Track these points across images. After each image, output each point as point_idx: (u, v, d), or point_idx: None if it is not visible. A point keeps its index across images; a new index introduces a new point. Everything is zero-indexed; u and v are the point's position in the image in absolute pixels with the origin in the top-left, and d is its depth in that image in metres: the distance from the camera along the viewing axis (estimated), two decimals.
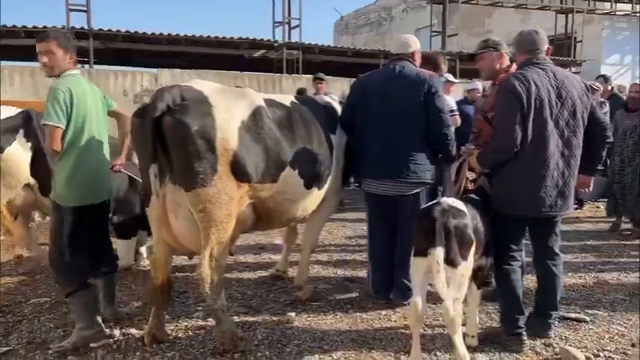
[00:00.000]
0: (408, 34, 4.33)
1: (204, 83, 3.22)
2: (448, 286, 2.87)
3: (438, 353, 3.24)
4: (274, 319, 3.79)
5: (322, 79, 8.09)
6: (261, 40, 15.37)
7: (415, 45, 3.99)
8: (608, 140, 3.48)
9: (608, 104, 7.14)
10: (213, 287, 3.10)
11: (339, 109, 4.09)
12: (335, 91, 13.09)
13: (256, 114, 3.25)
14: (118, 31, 13.82)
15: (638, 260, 5.27)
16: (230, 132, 3.07)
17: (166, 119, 2.93)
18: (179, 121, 2.92)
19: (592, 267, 5.14)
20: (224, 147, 3.04)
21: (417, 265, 2.97)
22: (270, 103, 3.45)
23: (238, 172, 3.11)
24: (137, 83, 13.75)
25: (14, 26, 12.81)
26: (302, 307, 4.03)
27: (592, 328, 3.59)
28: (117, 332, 3.51)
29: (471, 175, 3.73)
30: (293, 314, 3.87)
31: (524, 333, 3.34)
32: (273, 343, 3.40)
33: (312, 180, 3.57)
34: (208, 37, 14.57)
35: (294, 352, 3.28)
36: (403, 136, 3.79)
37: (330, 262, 5.29)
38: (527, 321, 3.47)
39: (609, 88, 8.93)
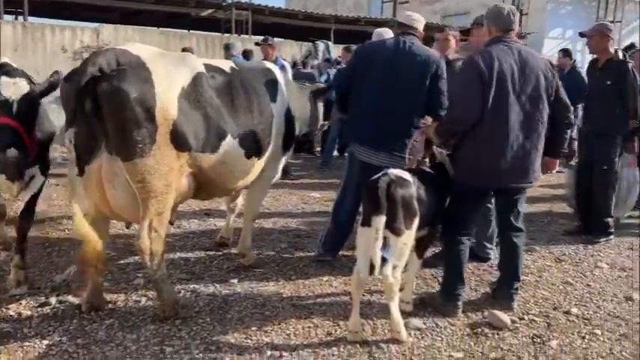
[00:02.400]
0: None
1: (141, 47, 3.10)
2: (391, 254, 2.99)
3: (375, 318, 3.37)
4: (217, 285, 3.81)
5: (270, 43, 7.92)
6: None
7: (422, 23, 4.07)
8: (568, 122, 3.64)
9: None
10: (153, 258, 3.07)
11: (279, 75, 4.03)
12: (286, 55, 12.93)
13: (197, 81, 3.16)
14: None
15: (564, 229, 5.59)
16: (170, 100, 2.99)
17: (102, 85, 2.81)
18: (117, 88, 2.81)
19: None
20: (163, 116, 2.96)
21: (362, 234, 3.05)
22: (210, 69, 3.35)
23: (178, 141, 3.05)
24: (77, 39, 13.07)
25: None
26: (245, 273, 4.07)
27: (519, 293, 3.81)
28: (53, 300, 3.44)
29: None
30: (235, 281, 3.90)
31: (461, 300, 3.52)
32: (215, 309, 3.43)
33: (252, 149, 3.54)
34: None
35: (235, 318, 3.32)
36: (405, 111, 3.85)
37: (275, 228, 5.33)
38: (492, 292, 3.70)
39: (570, 61, 9.30)
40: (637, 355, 3.06)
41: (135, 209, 3.05)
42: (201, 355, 2.87)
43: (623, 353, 3.08)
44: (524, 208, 3.65)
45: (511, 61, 3.32)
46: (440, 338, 3.18)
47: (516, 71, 3.32)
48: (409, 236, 3.05)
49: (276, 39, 9.07)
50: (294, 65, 12.13)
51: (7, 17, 13.96)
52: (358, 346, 3.03)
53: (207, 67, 3.35)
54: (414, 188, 3.10)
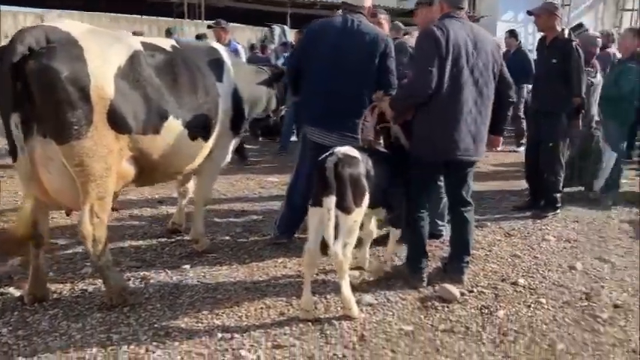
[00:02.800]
0: None
1: (73, 24, 2.96)
2: (341, 232, 3.00)
3: (328, 297, 3.37)
4: (168, 272, 3.74)
5: (223, 27, 7.77)
6: None
7: (368, 1, 4.00)
8: (510, 100, 3.71)
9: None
10: (96, 244, 2.98)
11: (226, 55, 3.95)
12: (242, 40, 12.73)
13: (134, 59, 3.05)
14: None
15: (514, 205, 5.74)
16: (105, 79, 2.87)
17: (30, 64, 2.67)
18: (46, 67, 2.68)
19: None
20: (99, 95, 2.84)
21: (312, 214, 3.06)
22: (150, 47, 3.25)
23: (116, 122, 2.94)
24: (19, 25, 12.46)
25: None
26: (198, 259, 4.00)
27: (470, 267, 3.89)
28: None
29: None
30: (188, 267, 3.83)
31: (425, 272, 3.60)
32: (165, 295, 3.36)
33: (197, 131, 3.45)
34: None
35: (186, 303, 3.27)
36: (355, 90, 3.79)
37: (231, 213, 5.27)
38: (444, 266, 3.77)
39: (516, 42, 9.46)
40: (578, 320, 3.18)
41: (73, 194, 2.94)
42: (149, 340, 2.81)
43: (566, 319, 3.19)
44: (472, 183, 3.71)
45: (464, 35, 3.35)
46: (391, 313, 3.21)
47: (470, 46, 3.36)
48: (359, 214, 3.06)
49: (230, 24, 8.90)
50: (252, 49, 11.98)
51: None
52: (310, 324, 3.03)
53: (146, 45, 3.24)
54: (362, 166, 3.10)
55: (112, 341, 2.79)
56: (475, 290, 3.56)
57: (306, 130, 4.02)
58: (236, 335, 2.89)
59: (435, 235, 4.40)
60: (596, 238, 4.76)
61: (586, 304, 3.41)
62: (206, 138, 3.59)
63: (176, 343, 2.80)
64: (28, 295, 3.16)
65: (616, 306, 3.38)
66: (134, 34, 9.31)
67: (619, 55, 6.92)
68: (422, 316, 3.18)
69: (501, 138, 3.91)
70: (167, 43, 3.51)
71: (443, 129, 3.36)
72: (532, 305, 3.36)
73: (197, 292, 3.44)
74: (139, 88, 3.07)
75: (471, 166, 3.59)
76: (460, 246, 3.68)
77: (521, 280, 3.73)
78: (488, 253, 4.30)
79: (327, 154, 3.08)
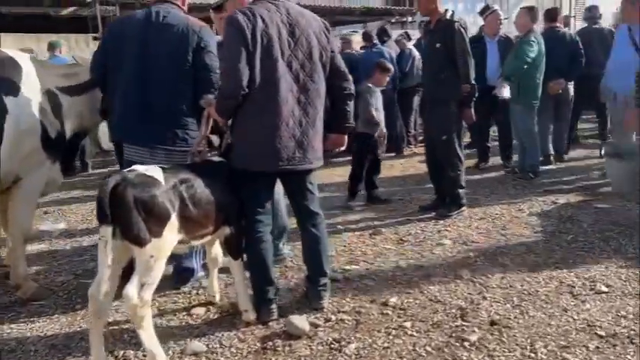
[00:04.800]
0: None
1: None
2: (136, 270, 2.41)
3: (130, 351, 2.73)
4: None
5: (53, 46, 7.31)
6: None
7: None
8: (346, 92, 3.15)
9: None
10: None
11: (29, 66, 3.30)
12: None
13: None
14: None
15: (420, 205, 5.25)
16: None
17: None
18: None
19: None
20: None
21: (99, 248, 2.42)
22: None
23: None
24: None
25: None
26: (18, 310, 3.31)
27: (342, 288, 3.35)
28: None
29: None
30: None
31: (274, 305, 3.00)
32: None
33: None
34: None
35: None
36: (167, 96, 3.14)
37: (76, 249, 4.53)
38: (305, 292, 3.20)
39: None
40: (441, 347, 2.64)
41: None
42: None
43: (427, 347, 2.64)
44: (316, 190, 3.14)
45: (278, 20, 2.80)
46: None
47: (285, 33, 2.81)
48: (157, 247, 2.45)
49: None
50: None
51: None
52: None
53: None
54: (165, 187, 2.50)
55: None
56: (334, 318, 2.99)
57: (124, 148, 3.36)
58: None
59: (278, 257, 3.75)
60: (497, 237, 4.29)
61: (458, 323, 2.88)
62: None
63: None
64: None
65: (493, 323, 2.86)
66: (21, 50, 8.54)
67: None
68: None
69: (345, 136, 3.36)
70: None
71: (260, 135, 2.81)
72: (392, 332, 2.81)
73: None
74: None
75: (306, 175, 3.03)
76: (314, 267, 3.11)
77: (394, 299, 3.19)
78: (369, 267, 3.76)
79: (112, 174, 2.47)
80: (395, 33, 10.11)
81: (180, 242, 2.63)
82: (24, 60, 3.35)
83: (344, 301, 3.21)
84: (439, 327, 2.84)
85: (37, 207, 5.59)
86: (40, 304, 3.39)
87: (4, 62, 3.22)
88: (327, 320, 2.97)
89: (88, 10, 14.21)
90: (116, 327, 2.96)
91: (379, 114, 5.35)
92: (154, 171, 2.54)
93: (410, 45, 8.71)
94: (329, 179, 6.39)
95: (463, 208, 4.92)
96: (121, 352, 2.72)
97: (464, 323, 2.87)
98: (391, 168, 7.38)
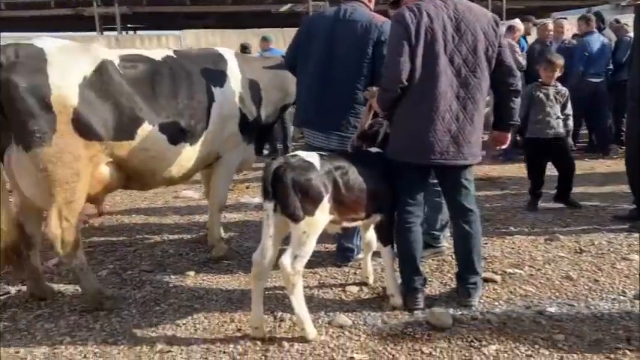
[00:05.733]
0: None
1: (48, 40, 3.12)
2: (291, 243, 2.74)
3: (287, 314, 3.05)
4: (172, 277, 3.75)
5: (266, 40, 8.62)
6: None
7: None
8: (512, 88, 3.05)
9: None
10: (65, 247, 3.08)
11: (232, 60, 3.86)
12: None
13: (102, 69, 3.12)
14: None
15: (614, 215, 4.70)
16: (68, 88, 2.97)
17: None
18: (6, 80, 2.85)
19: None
20: (62, 104, 2.95)
21: (263, 220, 2.79)
22: (129, 58, 3.32)
23: (83, 129, 3.03)
24: (163, 46, 13.96)
25: None
26: (210, 266, 3.95)
27: (489, 288, 3.24)
28: (13, 289, 3.61)
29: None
30: (192, 273, 3.80)
31: (420, 294, 3.09)
32: (147, 302, 3.36)
33: (176, 135, 3.41)
34: None
35: (160, 311, 3.22)
36: (346, 86, 3.49)
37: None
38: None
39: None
40: None
41: (46, 198, 3.08)
42: (93, 347, 2.81)
43: None
44: (472, 185, 3.07)
45: (444, 15, 2.82)
46: (357, 338, 2.78)
47: (450, 28, 2.82)
48: (310, 224, 2.71)
49: None
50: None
51: (111, 33, 15.30)
52: (259, 343, 2.76)
53: (125, 57, 3.32)
54: (318, 172, 2.75)
55: (62, 343, 2.85)
56: (480, 317, 2.93)
57: (304, 132, 3.73)
58: (173, 348, 2.75)
59: (436, 249, 3.78)
60: None
61: (621, 346, 2.57)
62: (192, 142, 3.53)
63: (115, 352, 2.76)
64: (29, 295, 3.40)
65: None
66: (241, 45, 9.80)
67: None
68: (389, 345, 2.69)
69: (509, 135, 3.18)
70: (159, 54, 3.55)
71: (415, 129, 2.87)
72: (541, 342, 2.64)
73: (180, 299, 3.38)
74: (109, 96, 3.13)
75: (462, 170, 2.97)
76: (464, 264, 3.07)
77: (551, 309, 2.99)
78: (533, 273, 3.54)
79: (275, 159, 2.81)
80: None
81: (332, 222, 2.86)
82: (229, 55, 3.94)
83: (496, 303, 3.12)
84: (597, 346, 2.59)
85: (241, 182, 6.59)
86: (228, 264, 3.98)
87: (214, 58, 3.84)
88: (473, 318, 2.93)
89: (303, 7, 15.51)
90: (280, 291, 3.34)
91: (551, 115, 4.92)
92: (312, 157, 2.81)
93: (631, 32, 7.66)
94: (516, 173, 6.09)
95: None
96: (280, 314, 3.07)
97: (628, 347, 2.56)
98: (591, 170, 6.68)
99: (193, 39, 14.15)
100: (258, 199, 6.07)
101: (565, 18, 8.94)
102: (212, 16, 15.91)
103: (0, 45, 3.03)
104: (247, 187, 6.60)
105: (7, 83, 2.85)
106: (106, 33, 14.27)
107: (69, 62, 3.03)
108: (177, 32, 14.64)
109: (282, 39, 15.21)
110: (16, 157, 3.04)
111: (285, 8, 15.62)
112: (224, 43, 13.71)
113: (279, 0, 15.32)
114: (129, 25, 17.91)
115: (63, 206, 3.05)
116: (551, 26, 8.03)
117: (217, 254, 4.08)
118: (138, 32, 16.44)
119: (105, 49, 3.34)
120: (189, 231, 4.93)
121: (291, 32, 16.36)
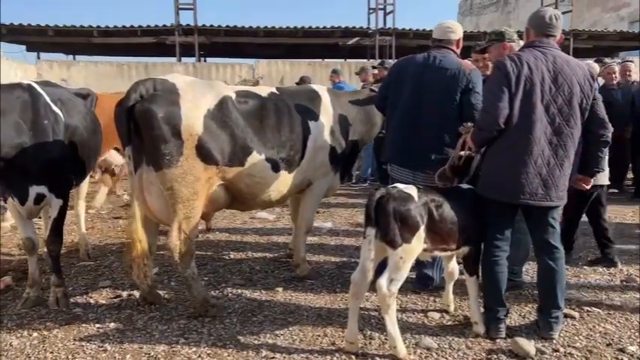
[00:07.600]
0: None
1: (178, 76, 3.59)
2: (388, 267, 3.01)
3: (375, 333, 3.31)
4: (263, 292, 4.09)
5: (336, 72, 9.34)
6: (354, 27, 15.61)
7: (459, 32, 3.91)
8: (603, 139, 3.28)
9: None
10: (182, 257, 3.49)
11: (325, 96, 4.26)
12: None
13: (223, 104, 3.56)
14: (220, 26, 14.89)
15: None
16: (195, 119, 3.41)
17: (137, 107, 3.35)
18: (147, 109, 3.32)
19: None
20: (189, 132, 3.39)
21: (362, 245, 3.09)
22: (242, 94, 3.77)
23: (204, 154, 3.45)
24: (236, 74, 14.76)
25: (132, 26, 14.46)
26: (295, 284, 4.28)
27: (569, 323, 3.38)
28: (124, 293, 4.05)
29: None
30: (280, 289, 4.13)
31: (503, 324, 3.29)
32: (245, 312, 3.70)
33: (279, 164, 3.80)
34: (302, 27, 15.17)
35: (258, 321, 3.55)
36: (434, 130, 3.76)
37: (339, 245, 5.46)
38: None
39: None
40: None
41: (169, 214, 3.50)
42: (205, 349, 3.16)
43: None
44: (558, 225, 3.25)
45: (543, 68, 3.08)
46: (444, 359, 3.00)
47: (548, 79, 3.07)
48: (407, 251, 2.98)
49: None
50: None
51: (189, 60, 16.22)
52: (353, 357, 3.03)
53: (239, 92, 3.75)
54: (416, 203, 3.03)
55: (178, 344, 3.22)
56: (562, 351, 3.09)
57: (389, 167, 4.04)
58: (277, 355, 3.05)
59: (515, 282, 3.94)
60: None
61: None
62: (290, 170, 3.91)
63: (225, 354, 3.09)
64: (141, 298, 3.81)
65: None
66: (301, 78, 10.33)
67: None
68: None
69: (592, 180, 3.41)
70: (265, 90, 4.00)
71: (507, 169, 3.10)
72: None
73: (274, 312, 3.70)
74: (226, 127, 3.56)
75: (549, 210, 3.18)
76: (546, 298, 3.24)
77: (632, 348, 3.10)
78: (611, 312, 3.65)
79: (377, 189, 3.11)
80: None
81: (424, 250, 3.12)
82: (323, 91, 4.33)
83: (576, 338, 3.26)
84: None
85: None
86: (311, 282, 4.30)
87: (311, 94, 4.24)
88: (555, 350, 3.09)
89: (369, 40, 16.00)
90: (366, 312, 3.61)
91: None
92: (411, 189, 3.10)
93: None
94: None
95: None
96: (368, 332, 3.33)
97: None
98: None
99: (265, 68, 14.89)
100: (329, 224, 6.45)
101: (631, 61, 8.61)
102: (282, 47, 16.66)
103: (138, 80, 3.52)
104: (317, 213, 6.94)
105: (149, 112, 3.32)
106: (184, 59, 15.19)
107: (197, 96, 3.48)
108: (250, 61, 15.41)
109: (347, 70, 15.76)
110: (146, 176, 3.49)
111: (352, 42, 16.15)
112: (293, 72, 14.40)
113: (346, 34, 15.86)
114: (202, 53, 18.86)
115: (183, 221, 3.46)
116: (616, 68, 7.73)
117: (302, 273, 4.41)
118: (214, 60, 17.38)
119: (224, 85, 3.78)
120: (270, 250, 5.32)
121: (355, 64, 16.75)
